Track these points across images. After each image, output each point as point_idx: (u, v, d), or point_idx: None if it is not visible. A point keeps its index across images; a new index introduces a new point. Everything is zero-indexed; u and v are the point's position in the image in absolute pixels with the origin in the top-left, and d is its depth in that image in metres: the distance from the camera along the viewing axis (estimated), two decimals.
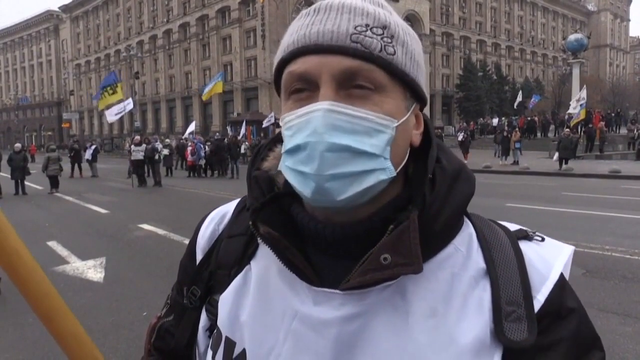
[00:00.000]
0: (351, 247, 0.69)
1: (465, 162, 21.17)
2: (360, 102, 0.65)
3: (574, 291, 0.73)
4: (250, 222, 0.72)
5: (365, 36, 0.65)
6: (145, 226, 10.65)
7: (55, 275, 6.97)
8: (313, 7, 0.69)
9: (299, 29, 0.68)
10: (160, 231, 10.00)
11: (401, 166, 0.70)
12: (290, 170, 0.67)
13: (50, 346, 4.51)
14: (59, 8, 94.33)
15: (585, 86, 29.12)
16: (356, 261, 0.67)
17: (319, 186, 0.63)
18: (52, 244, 9.05)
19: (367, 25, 0.66)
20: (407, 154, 0.72)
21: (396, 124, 0.67)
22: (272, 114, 35.30)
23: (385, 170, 0.65)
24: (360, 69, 0.64)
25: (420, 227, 0.65)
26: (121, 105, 21.26)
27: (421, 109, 0.75)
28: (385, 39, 0.66)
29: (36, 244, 9.06)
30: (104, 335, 4.81)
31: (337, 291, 0.67)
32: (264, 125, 35.77)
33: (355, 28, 0.65)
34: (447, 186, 0.70)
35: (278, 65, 0.71)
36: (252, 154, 0.84)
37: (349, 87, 0.65)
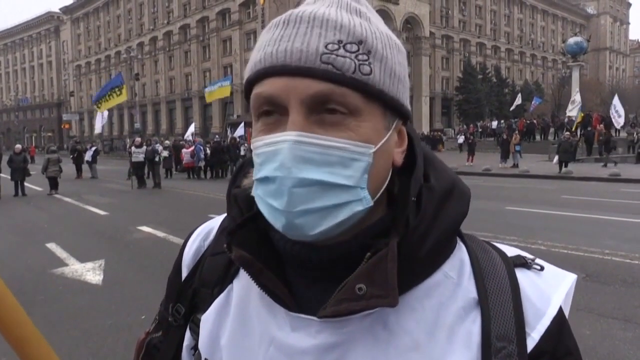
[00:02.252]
0: (330, 271, 0.65)
1: (471, 164, 21.28)
2: (333, 128, 0.60)
3: (571, 329, 0.68)
4: (225, 245, 0.68)
5: (337, 55, 0.59)
6: (145, 228, 10.61)
7: (54, 278, 6.96)
8: (283, 17, 0.63)
9: (267, 44, 0.62)
10: (160, 233, 9.98)
11: (380, 192, 0.65)
12: (261, 200, 0.63)
13: None
14: (60, 9, 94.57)
15: (577, 90, 29.22)
16: (336, 285, 0.62)
17: (290, 222, 0.60)
18: (51, 245, 9.01)
19: (339, 42, 0.59)
20: (389, 176, 0.66)
21: (374, 150, 0.61)
22: None
23: (362, 201, 0.61)
24: (332, 93, 0.58)
25: (403, 254, 0.61)
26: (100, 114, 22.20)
27: (404, 124, 0.69)
28: (360, 57, 0.60)
29: (35, 246, 9.06)
30: (103, 338, 4.79)
31: (314, 318, 0.63)
32: None
33: (326, 46, 0.59)
34: (434, 208, 0.64)
35: (246, 83, 0.65)
36: (235, 169, 0.80)
37: (320, 112, 0.60)
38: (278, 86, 0.60)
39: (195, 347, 0.77)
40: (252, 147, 0.65)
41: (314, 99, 0.59)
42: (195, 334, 0.76)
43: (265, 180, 0.61)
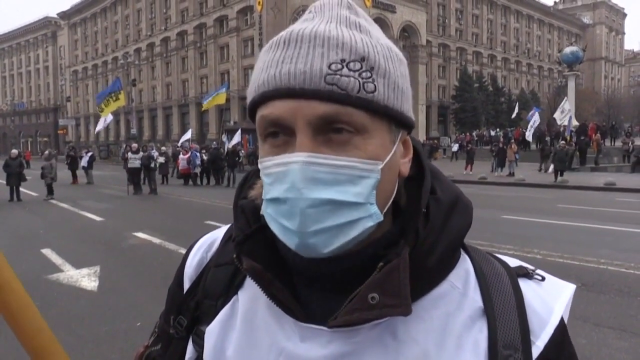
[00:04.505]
0: (339, 282, 0.66)
1: (470, 173, 21.35)
2: (340, 147, 0.60)
3: (570, 339, 0.71)
4: (234, 256, 0.70)
5: (342, 75, 0.59)
6: (140, 234, 10.59)
7: (49, 284, 6.92)
8: (284, 36, 0.63)
9: (269, 65, 0.62)
10: (156, 240, 9.95)
11: (388, 204, 0.66)
12: (273, 220, 0.64)
13: None
14: (57, 14, 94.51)
15: (566, 99, 30.07)
16: (345, 296, 0.63)
17: (303, 242, 0.60)
18: (47, 251, 8.97)
19: (342, 61, 0.60)
20: (396, 188, 0.68)
21: (381, 166, 0.62)
22: None
23: (372, 217, 0.62)
24: (338, 113, 0.59)
25: (412, 264, 0.62)
26: (104, 118, 22.12)
27: (409, 133, 0.70)
28: (364, 75, 0.60)
29: (30, 252, 9.01)
30: (97, 345, 4.76)
31: (324, 328, 0.64)
32: None
33: (329, 67, 0.59)
34: (441, 219, 0.66)
35: (250, 105, 0.66)
36: (240, 181, 0.80)
37: (327, 132, 0.60)
38: (284, 109, 0.60)
39: None
40: (260, 167, 0.65)
41: (320, 120, 0.59)
42: (199, 346, 0.76)
43: (276, 201, 0.62)
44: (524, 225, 11.25)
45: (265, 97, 0.62)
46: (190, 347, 0.79)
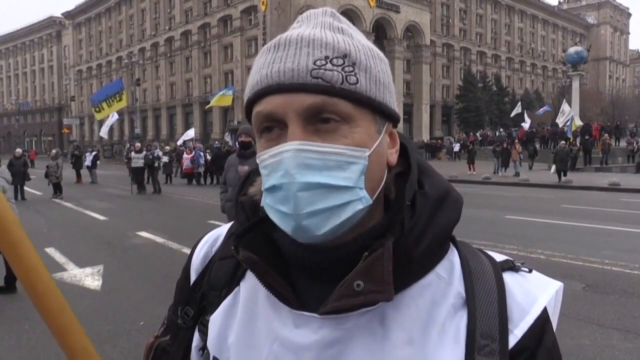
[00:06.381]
0: (331, 272, 0.69)
1: (474, 173, 21.26)
2: (329, 136, 0.65)
3: (554, 331, 0.71)
4: (233, 247, 0.73)
5: (326, 70, 0.65)
6: (144, 234, 10.62)
7: None
8: (274, 42, 0.69)
9: (262, 67, 0.68)
10: (159, 239, 9.97)
11: (379, 190, 0.70)
12: (271, 208, 0.68)
13: (47, 354, 4.48)
14: (62, 14, 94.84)
15: (565, 102, 30.39)
16: (337, 285, 0.67)
17: (298, 224, 0.65)
18: (50, 250, 9.01)
19: (326, 58, 0.65)
20: (385, 175, 0.72)
21: (368, 153, 0.67)
22: None
23: (361, 200, 0.66)
24: (324, 103, 0.64)
25: (398, 254, 0.65)
26: (110, 116, 21.86)
27: (395, 126, 0.75)
28: (346, 69, 0.66)
29: None
30: (100, 344, 4.75)
31: (316, 315, 0.68)
32: None
33: (314, 63, 0.65)
34: (428, 213, 0.70)
35: (246, 104, 0.72)
36: (242, 179, 0.85)
37: (316, 122, 0.65)
38: (275, 103, 0.66)
39: (203, 348, 0.82)
40: (258, 161, 0.70)
41: (308, 111, 0.64)
42: (204, 334, 0.81)
43: (273, 189, 0.66)
44: (527, 226, 11.21)
45: (258, 95, 0.68)
46: (196, 336, 0.84)
